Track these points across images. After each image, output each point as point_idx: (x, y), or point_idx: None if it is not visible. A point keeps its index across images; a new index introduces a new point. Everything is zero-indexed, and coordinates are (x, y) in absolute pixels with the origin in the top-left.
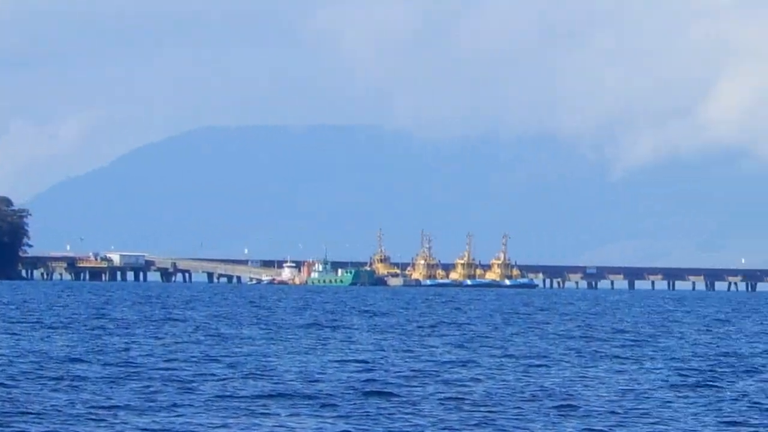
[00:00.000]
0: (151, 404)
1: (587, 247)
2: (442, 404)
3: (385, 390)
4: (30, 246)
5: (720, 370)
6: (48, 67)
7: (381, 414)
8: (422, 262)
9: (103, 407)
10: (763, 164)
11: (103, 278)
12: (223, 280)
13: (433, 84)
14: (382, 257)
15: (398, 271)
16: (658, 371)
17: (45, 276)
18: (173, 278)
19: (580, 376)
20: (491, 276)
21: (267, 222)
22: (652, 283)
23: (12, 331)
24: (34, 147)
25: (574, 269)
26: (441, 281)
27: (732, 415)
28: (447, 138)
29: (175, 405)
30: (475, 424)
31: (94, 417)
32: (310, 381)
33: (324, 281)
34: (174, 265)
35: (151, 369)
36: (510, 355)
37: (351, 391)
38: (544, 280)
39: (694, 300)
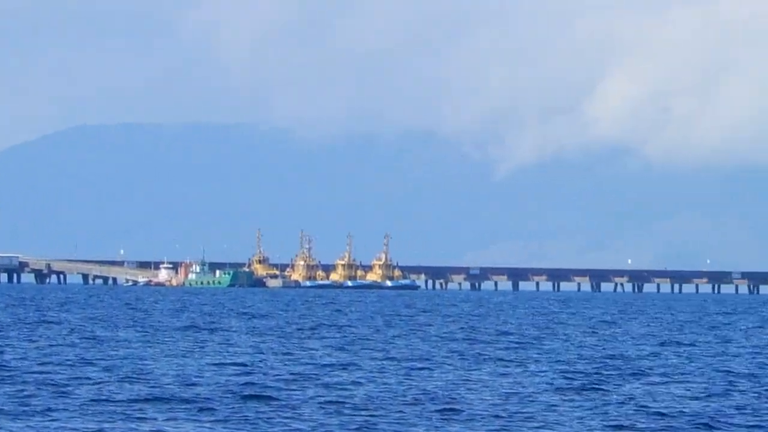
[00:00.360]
0: (25, 408)
1: (470, 248)
2: (323, 408)
3: (264, 394)
4: None
5: (606, 372)
6: None
7: (260, 418)
8: (302, 263)
9: None
10: (648, 163)
11: None
12: (99, 281)
13: (313, 81)
14: (261, 258)
15: (277, 273)
16: (542, 374)
17: None
18: (48, 280)
19: (464, 380)
20: (372, 277)
21: (143, 222)
22: (537, 284)
23: None
24: None
25: (457, 270)
26: (321, 282)
27: (618, 418)
28: (327, 136)
29: (49, 409)
30: (356, 429)
31: None
32: (187, 384)
33: (201, 283)
34: (48, 266)
35: (25, 372)
36: (392, 358)
37: (229, 395)
38: (426, 281)
39: (580, 301)
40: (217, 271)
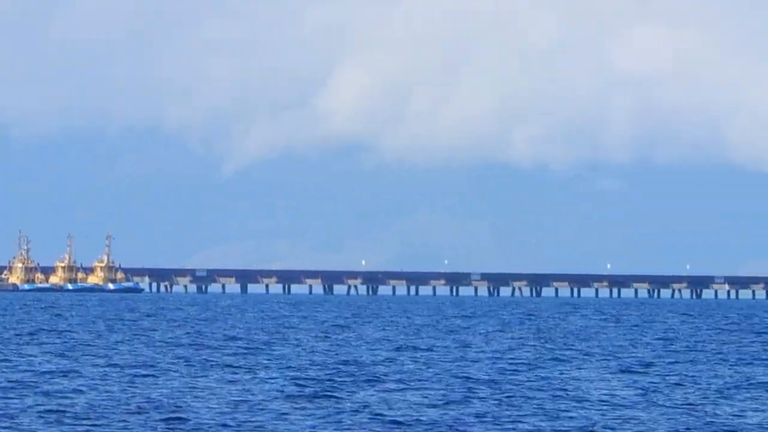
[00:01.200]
0: None
1: (196, 249)
2: (42, 417)
3: None
4: None
5: (339, 379)
6: None
7: None
8: (20, 265)
9: None
10: (385, 159)
11: None
12: None
13: (31, 75)
14: None
15: None
16: (273, 381)
17: None
18: None
19: (190, 387)
20: (94, 280)
21: None
22: (266, 286)
23: None
24: None
25: (183, 272)
26: (40, 286)
27: (352, 427)
28: (45, 132)
29: None
30: None
31: None
32: None
33: None
34: None
35: None
36: (114, 365)
37: None
38: (150, 284)
39: (312, 304)
40: None
